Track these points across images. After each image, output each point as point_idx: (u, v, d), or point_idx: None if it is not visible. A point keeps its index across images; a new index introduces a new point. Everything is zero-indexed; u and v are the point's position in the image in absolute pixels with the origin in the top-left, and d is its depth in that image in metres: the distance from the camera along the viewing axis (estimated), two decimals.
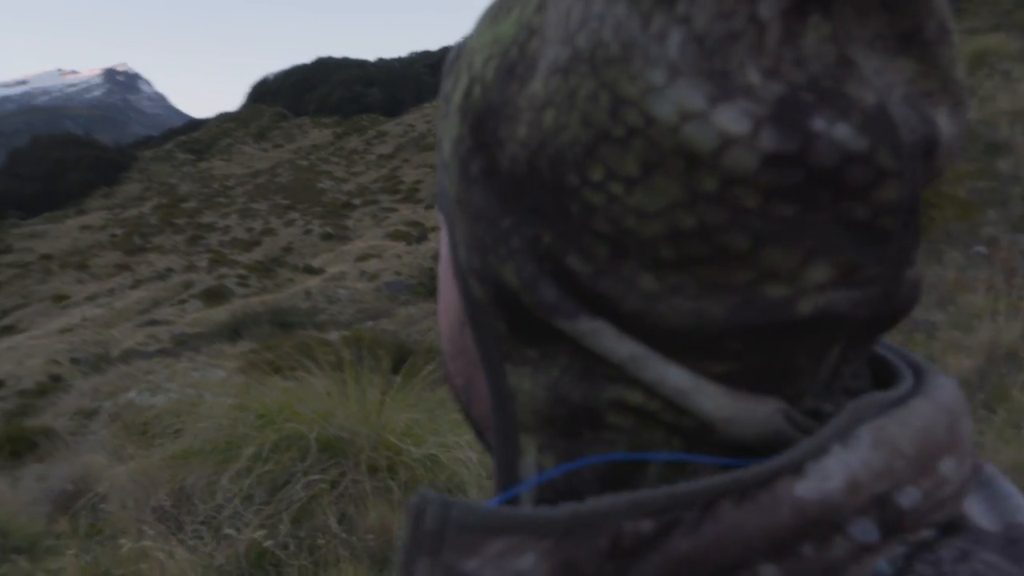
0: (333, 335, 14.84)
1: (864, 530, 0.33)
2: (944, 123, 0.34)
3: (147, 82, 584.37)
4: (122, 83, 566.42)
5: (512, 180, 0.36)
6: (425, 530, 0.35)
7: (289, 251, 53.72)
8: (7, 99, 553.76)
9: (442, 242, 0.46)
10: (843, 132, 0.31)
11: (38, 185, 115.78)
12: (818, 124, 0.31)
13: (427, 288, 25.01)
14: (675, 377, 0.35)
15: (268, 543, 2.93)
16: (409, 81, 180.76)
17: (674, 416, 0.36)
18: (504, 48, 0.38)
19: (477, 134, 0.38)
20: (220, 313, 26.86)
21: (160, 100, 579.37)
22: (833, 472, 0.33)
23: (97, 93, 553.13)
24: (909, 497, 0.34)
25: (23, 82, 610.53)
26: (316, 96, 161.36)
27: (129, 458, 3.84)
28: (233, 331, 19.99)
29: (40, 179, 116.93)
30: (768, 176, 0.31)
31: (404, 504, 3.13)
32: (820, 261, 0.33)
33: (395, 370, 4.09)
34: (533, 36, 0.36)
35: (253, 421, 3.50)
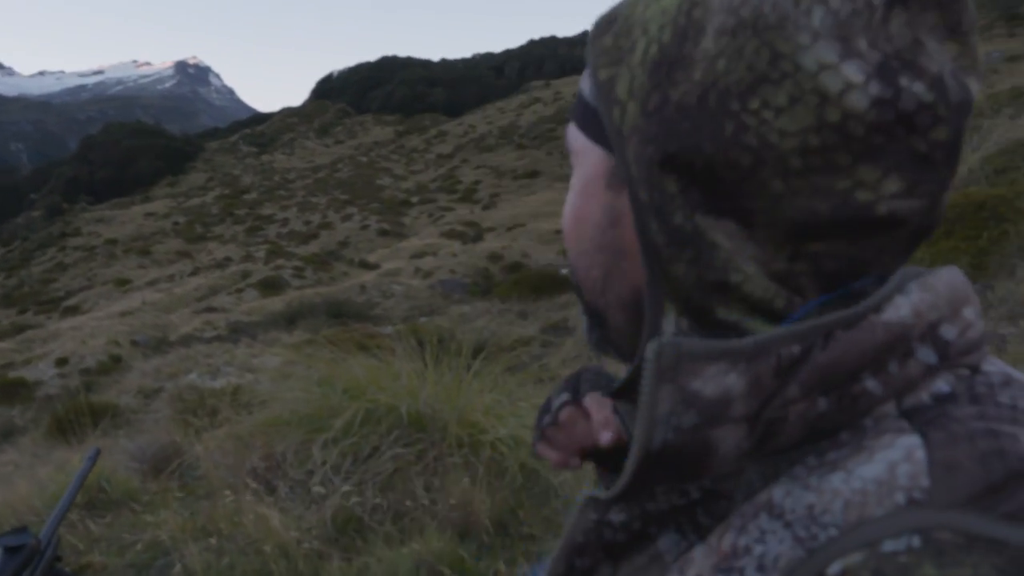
0: (387, 329, 15.06)
1: (927, 354, 0.48)
2: (974, 89, 0.49)
3: (216, 75, 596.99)
4: (192, 75, 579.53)
5: (680, 109, 0.50)
6: (666, 364, 0.48)
7: (346, 245, 54.34)
8: (83, 87, 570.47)
9: (583, 161, 0.60)
10: (919, 88, 0.46)
11: (108, 171, 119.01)
12: (904, 81, 0.46)
13: (481, 287, 25.14)
14: (755, 273, 0.50)
15: (355, 504, 3.06)
16: (472, 82, 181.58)
17: (755, 302, 0.51)
18: (673, 17, 0.52)
19: (654, 78, 0.52)
20: (276, 303, 27.26)
21: (228, 93, 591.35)
22: (901, 305, 0.48)
23: (168, 84, 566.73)
24: (949, 332, 0.49)
25: (99, 72, 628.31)
26: (379, 94, 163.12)
27: (224, 422, 4.01)
28: (288, 321, 20.37)
29: (110, 166, 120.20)
30: (872, 114, 0.46)
31: (488, 480, 3.24)
32: (894, 177, 0.48)
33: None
34: (696, 7, 0.51)
35: (340, 395, 3.64)
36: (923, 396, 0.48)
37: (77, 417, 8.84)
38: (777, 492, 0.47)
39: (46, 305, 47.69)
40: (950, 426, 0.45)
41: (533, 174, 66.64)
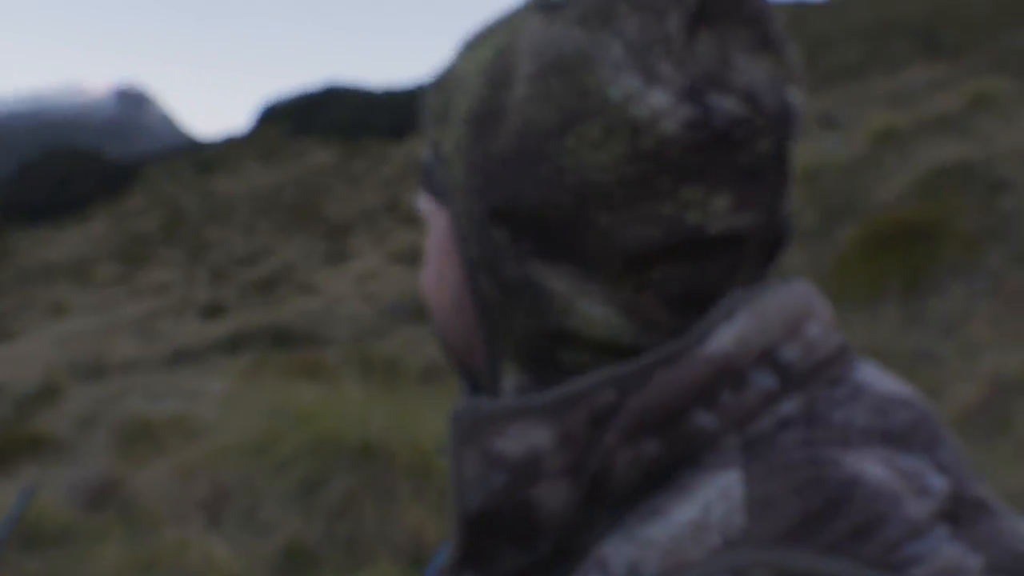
0: (333, 352, 14.89)
1: (764, 378, 0.47)
2: (794, 97, 0.50)
3: (156, 100, 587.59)
4: (131, 101, 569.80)
5: (502, 159, 0.50)
6: (465, 425, 0.47)
7: (290, 269, 53.72)
8: (19, 112, 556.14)
9: (434, 224, 0.59)
10: (730, 104, 0.47)
11: (45, 195, 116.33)
12: (713, 100, 0.47)
13: (426, 310, 24.98)
14: (600, 313, 0.50)
15: (305, 534, 3.03)
16: (415, 108, 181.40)
17: (599, 342, 0.50)
18: (487, 69, 0.52)
19: (474, 132, 0.52)
20: (218, 327, 26.84)
21: (167, 119, 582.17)
22: (724, 335, 0.47)
23: (107, 110, 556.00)
24: (789, 353, 0.48)
25: (36, 96, 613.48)
26: (323, 120, 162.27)
27: (169, 451, 3.93)
28: (232, 345, 20.04)
29: (47, 190, 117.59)
30: (685, 136, 0.46)
31: (439, 506, 3.22)
32: (721, 194, 0.48)
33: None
34: (507, 55, 0.51)
35: (289, 423, 3.60)
36: (766, 423, 0.46)
37: (10, 447, 8.54)
38: (608, 545, 0.45)
39: None
40: (772, 456, 0.44)
41: None
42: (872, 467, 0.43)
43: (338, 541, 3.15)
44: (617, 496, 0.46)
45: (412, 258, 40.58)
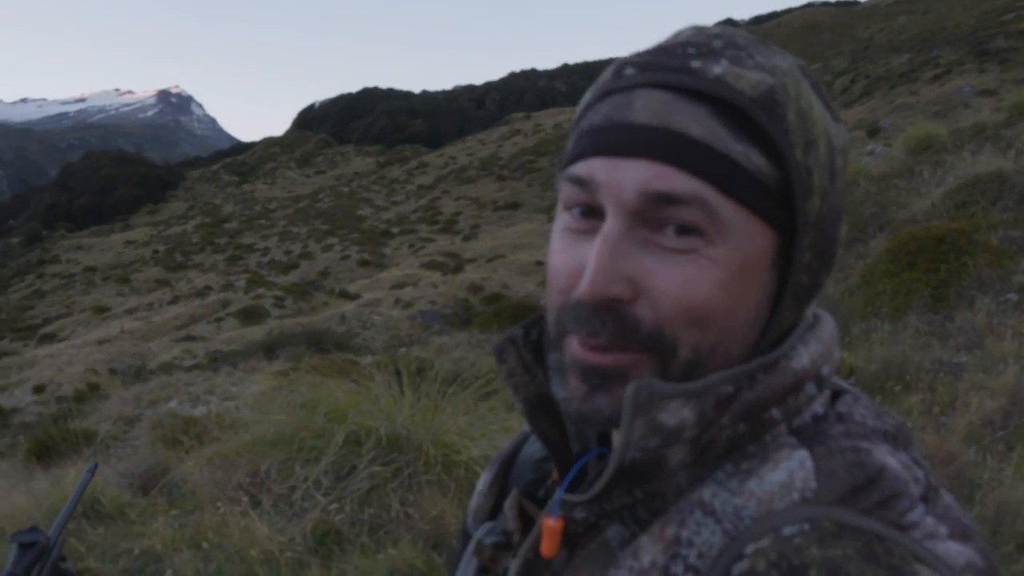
0: (367, 359, 15.03)
1: (811, 388, 0.64)
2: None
3: (199, 104, 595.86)
4: (175, 104, 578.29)
5: (836, 212, 0.68)
6: (641, 401, 0.59)
7: (326, 275, 54.13)
8: (64, 115, 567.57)
9: (744, 240, 0.61)
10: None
11: (88, 199, 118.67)
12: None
13: (460, 318, 25.10)
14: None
15: (335, 518, 3.26)
16: (452, 114, 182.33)
17: None
18: (824, 127, 0.66)
19: (831, 177, 0.66)
20: (255, 332, 27.11)
21: (210, 122, 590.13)
22: (803, 356, 0.64)
23: (150, 113, 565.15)
24: (826, 370, 0.66)
25: (81, 100, 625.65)
26: (360, 125, 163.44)
27: (212, 441, 4.18)
28: (268, 350, 20.29)
29: (90, 193, 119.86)
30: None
31: (459, 496, 3.45)
32: None
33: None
34: (829, 124, 0.67)
35: (321, 418, 3.83)
36: (806, 417, 0.64)
37: (55, 443, 8.82)
38: (706, 493, 0.60)
39: (23, 332, 47.25)
40: (827, 442, 0.61)
41: (513, 205, 67.03)
42: (891, 459, 0.60)
43: (364, 524, 3.38)
44: (704, 459, 0.62)
45: (447, 265, 40.85)
